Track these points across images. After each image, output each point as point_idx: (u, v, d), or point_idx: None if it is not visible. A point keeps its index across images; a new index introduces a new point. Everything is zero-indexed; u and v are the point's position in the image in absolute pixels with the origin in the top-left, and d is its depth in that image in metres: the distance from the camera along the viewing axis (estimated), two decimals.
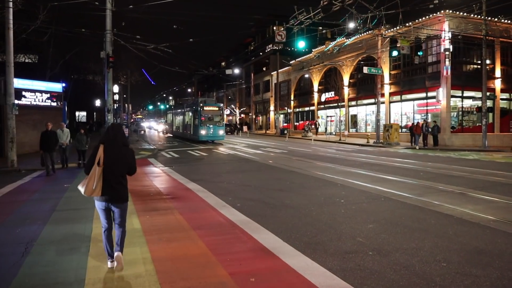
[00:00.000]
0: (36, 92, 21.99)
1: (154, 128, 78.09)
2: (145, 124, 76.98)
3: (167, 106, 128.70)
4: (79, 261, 5.24)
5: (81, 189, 4.84)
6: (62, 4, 19.98)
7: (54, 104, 23.18)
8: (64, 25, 25.27)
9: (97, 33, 22.41)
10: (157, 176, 13.79)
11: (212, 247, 5.78)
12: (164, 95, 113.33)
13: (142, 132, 51.51)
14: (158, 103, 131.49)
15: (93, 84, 42.22)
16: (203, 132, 31.29)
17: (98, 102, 52.38)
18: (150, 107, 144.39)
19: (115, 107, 34.14)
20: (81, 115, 54.64)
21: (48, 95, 22.73)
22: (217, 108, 33.11)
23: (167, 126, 54.45)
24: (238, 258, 5.32)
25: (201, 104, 32.07)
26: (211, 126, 31.66)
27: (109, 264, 5.03)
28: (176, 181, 12.38)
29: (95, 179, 4.74)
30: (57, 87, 24.10)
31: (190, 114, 34.97)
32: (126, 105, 54.85)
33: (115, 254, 4.94)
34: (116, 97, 41.19)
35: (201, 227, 6.87)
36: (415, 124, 29.02)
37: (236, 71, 56.30)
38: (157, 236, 6.35)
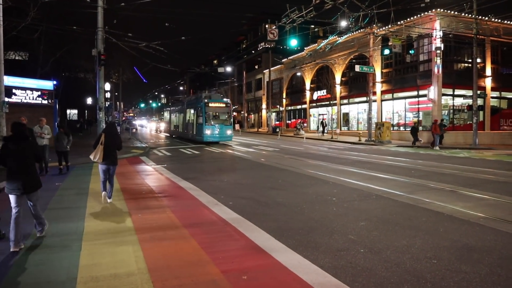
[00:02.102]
0: (27, 89, 21.79)
1: (146, 126, 77.75)
2: (137, 122, 76.59)
3: (159, 104, 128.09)
4: (71, 260, 5.22)
5: (91, 157, 8.58)
6: (53, 1, 19.80)
7: (45, 102, 22.98)
8: (55, 23, 25.03)
9: (89, 30, 22.26)
10: (149, 174, 13.74)
11: (204, 245, 5.79)
12: (156, 93, 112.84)
13: (134, 130, 51.23)
14: (150, 101, 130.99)
15: (85, 82, 41.85)
16: (208, 132, 27.22)
17: (89, 100, 51.97)
18: (142, 105, 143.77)
19: (107, 105, 33.95)
20: (72, 113, 54.19)
21: (39, 93, 22.53)
22: (223, 105, 28.87)
23: (164, 125, 50.00)
24: (230, 256, 5.33)
25: (205, 100, 27.67)
26: (217, 125, 27.64)
27: (102, 195, 8.88)
28: (168, 179, 12.36)
29: (99, 152, 8.46)
30: (48, 84, 23.89)
31: (192, 111, 30.58)
32: (117, 103, 54.59)
33: (108, 201, 8.74)
34: (108, 95, 41.01)
35: (193, 226, 6.88)
36: (415, 123, 28.29)
37: (228, 69, 56.13)
38: (149, 235, 6.34)
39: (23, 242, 5.83)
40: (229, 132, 28.34)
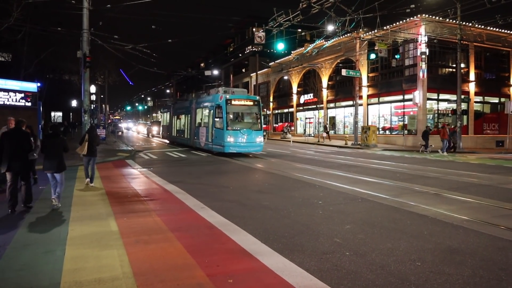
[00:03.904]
0: (10, 91, 21.46)
1: (134, 130, 76.97)
2: (123, 125, 75.84)
3: (146, 106, 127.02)
4: (54, 264, 5.14)
5: (79, 151, 11.32)
6: (37, 2, 19.60)
7: (29, 104, 22.65)
8: (39, 23, 24.77)
9: (74, 32, 22.05)
10: (135, 177, 13.63)
11: (190, 249, 5.76)
12: (143, 96, 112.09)
13: (120, 133, 50.67)
14: (136, 104, 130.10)
15: (70, 84, 41.43)
16: (230, 139, 20.34)
17: (74, 103, 51.38)
18: (128, 108, 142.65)
19: (92, 108, 33.50)
20: (57, 115, 53.55)
21: (23, 95, 22.21)
22: (251, 103, 21.92)
23: (158, 129, 41.45)
24: (216, 260, 5.31)
25: (227, 97, 21.01)
26: (244, 130, 20.81)
27: (85, 181, 11.52)
28: (154, 182, 12.28)
29: (85, 147, 11.20)
30: (32, 86, 23.56)
31: (207, 112, 23.44)
32: (103, 105, 54.06)
33: (89, 181, 11.40)
34: (93, 97, 40.41)
35: (179, 229, 6.84)
36: (429, 127, 26.36)
37: (215, 72, 56.11)
38: (135, 238, 6.29)
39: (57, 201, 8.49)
40: (259, 139, 21.22)
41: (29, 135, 8.51)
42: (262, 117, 22.45)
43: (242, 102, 21.70)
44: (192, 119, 26.55)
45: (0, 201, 9.36)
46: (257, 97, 22.76)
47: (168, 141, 35.31)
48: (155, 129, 49.39)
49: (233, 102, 21.14)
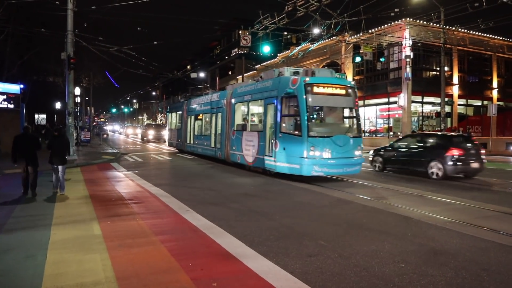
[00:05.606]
0: None
1: (121, 132, 75.88)
2: (108, 127, 74.90)
3: (131, 109, 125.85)
4: (35, 269, 5.05)
5: None
6: (20, 2, 19.31)
7: (11, 106, 22.30)
8: (22, 24, 24.41)
9: (58, 33, 21.78)
10: (120, 180, 13.50)
11: (174, 252, 5.71)
12: (128, 98, 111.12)
13: (105, 135, 50.10)
14: (122, 106, 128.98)
15: (54, 86, 40.85)
16: (315, 152, 12.13)
17: (58, 105, 50.65)
18: (114, 110, 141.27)
19: (77, 110, 33.10)
20: (40, 117, 52.76)
21: (5, 97, 21.85)
22: (343, 91, 13.47)
23: (169, 134, 30.47)
24: (200, 263, 5.27)
25: (306, 79, 12.65)
26: (336, 137, 12.51)
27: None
28: (139, 185, 12.17)
29: None
30: (15, 88, 23.18)
31: (258, 107, 15.80)
32: (88, 107, 53.47)
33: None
34: (78, 99, 39.90)
35: (163, 233, 6.78)
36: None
37: (202, 74, 55.90)
38: (118, 242, 6.21)
39: (59, 190, 10.42)
40: (357, 152, 12.97)
41: (36, 137, 10.56)
42: (360, 114, 15.28)
43: (331, 90, 13.09)
44: (226, 120, 17.84)
45: None
46: (352, 82, 14.76)
47: (177, 150, 27.34)
48: (151, 133, 43.91)
49: (315, 89, 12.67)
